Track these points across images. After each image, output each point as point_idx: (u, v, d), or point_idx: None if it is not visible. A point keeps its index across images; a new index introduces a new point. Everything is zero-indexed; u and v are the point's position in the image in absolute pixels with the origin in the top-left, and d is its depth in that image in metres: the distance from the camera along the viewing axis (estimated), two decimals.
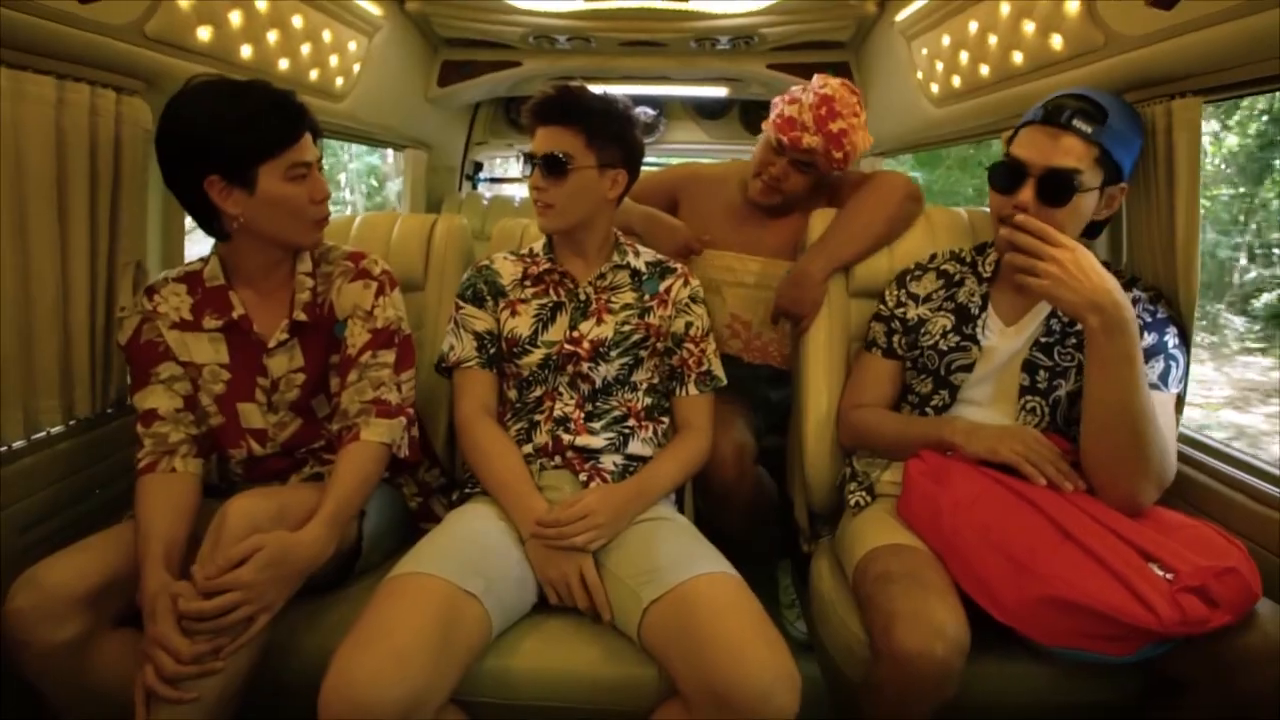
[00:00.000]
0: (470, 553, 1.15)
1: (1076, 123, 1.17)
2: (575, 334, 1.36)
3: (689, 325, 1.41)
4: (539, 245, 1.44)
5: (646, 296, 1.40)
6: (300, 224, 1.25)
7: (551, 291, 1.40)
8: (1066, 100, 1.20)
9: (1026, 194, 1.20)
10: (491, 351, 1.39)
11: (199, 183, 1.17)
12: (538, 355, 1.36)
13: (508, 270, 1.42)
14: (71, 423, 1.40)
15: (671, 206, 1.88)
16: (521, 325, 1.38)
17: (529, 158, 1.34)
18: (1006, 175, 1.23)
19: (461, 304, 1.41)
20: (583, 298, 1.38)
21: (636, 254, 1.44)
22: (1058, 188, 1.18)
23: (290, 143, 1.20)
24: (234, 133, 1.16)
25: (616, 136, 1.33)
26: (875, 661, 1.07)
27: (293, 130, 1.20)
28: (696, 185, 1.87)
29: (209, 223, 1.24)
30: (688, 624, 1.03)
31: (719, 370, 1.44)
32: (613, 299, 1.39)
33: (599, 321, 1.37)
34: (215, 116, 1.15)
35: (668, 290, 1.42)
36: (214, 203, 1.18)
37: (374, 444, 1.25)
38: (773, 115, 1.67)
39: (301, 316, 1.29)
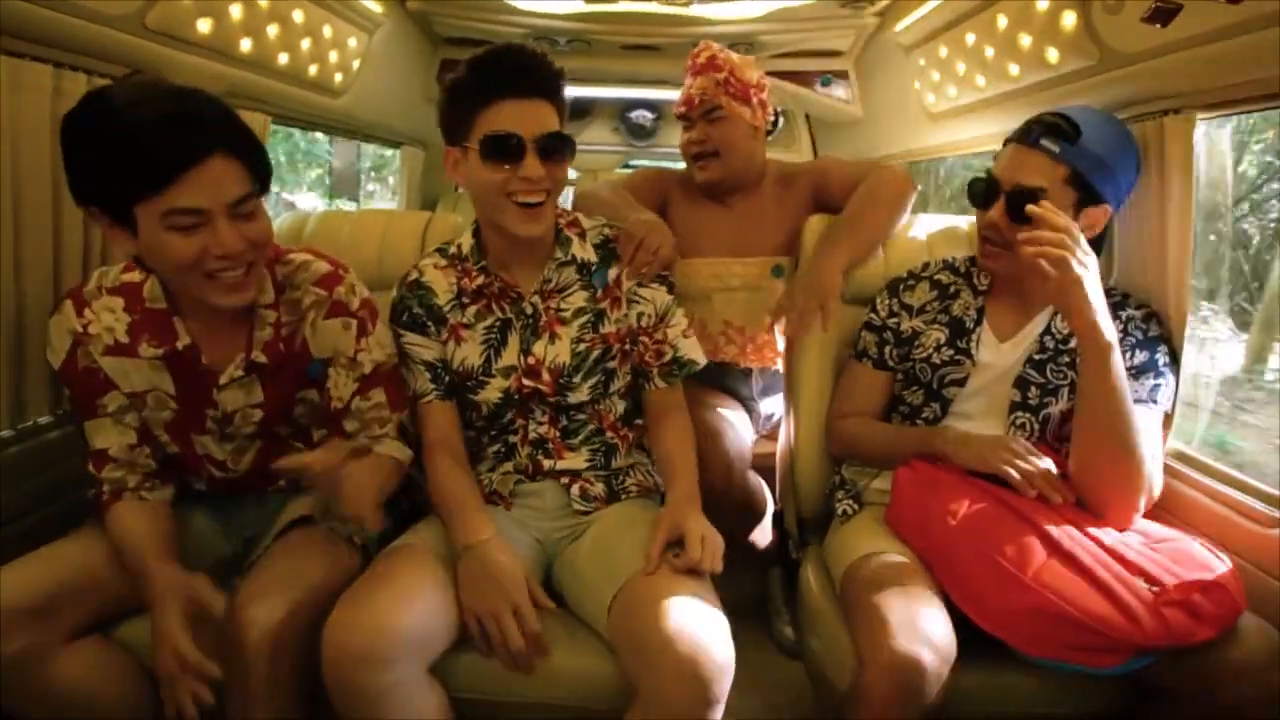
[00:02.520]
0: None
1: (1044, 141, 1.18)
2: (531, 360, 1.24)
3: (640, 316, 1.28)
4: (466, 244, 1.26)
5: (598, 294, 1.27)
6: (198, 281, 0.97)
7: (495, 307, 1.25)
8: (1044, 117, 1.22)
9: (996, 212, 1.23)
10: (447, 380, 1.27)
11: (84, 207, 0.96)
12: (495, 389, 1.25)
13: (440, 284, 1.26)
14: (25, 426, 1.38)
15: (662, 208, 1.83)
16: (471, 354, 1.25)
17: (512, 143, 1.08)
18: (982, 192, 1.26)
19: (401, 332, 1.25)
20: (529, 311, 1.25)
21: (582, 239, 1.27)
22: (1022, 205, 1.16)
23: (167, 181, 0.88)
24: (103, 160, 0.90)
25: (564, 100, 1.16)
26: (862, 669, 1.07)
27: (179, 160, 0.89)
28: (680, 190, 1.83)
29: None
30: (634, 612, 1.04)
31: (687, 353, 1.30)
32: (563, 305, 1.25)
33: (552, 339, 1.24)
34: (94, 135, 0.90)
35: (618, 282, 1.27)
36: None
37: (386, 457, 1.17)
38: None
39: (261, 358, 1.12)
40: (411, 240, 1.68)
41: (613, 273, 1.28)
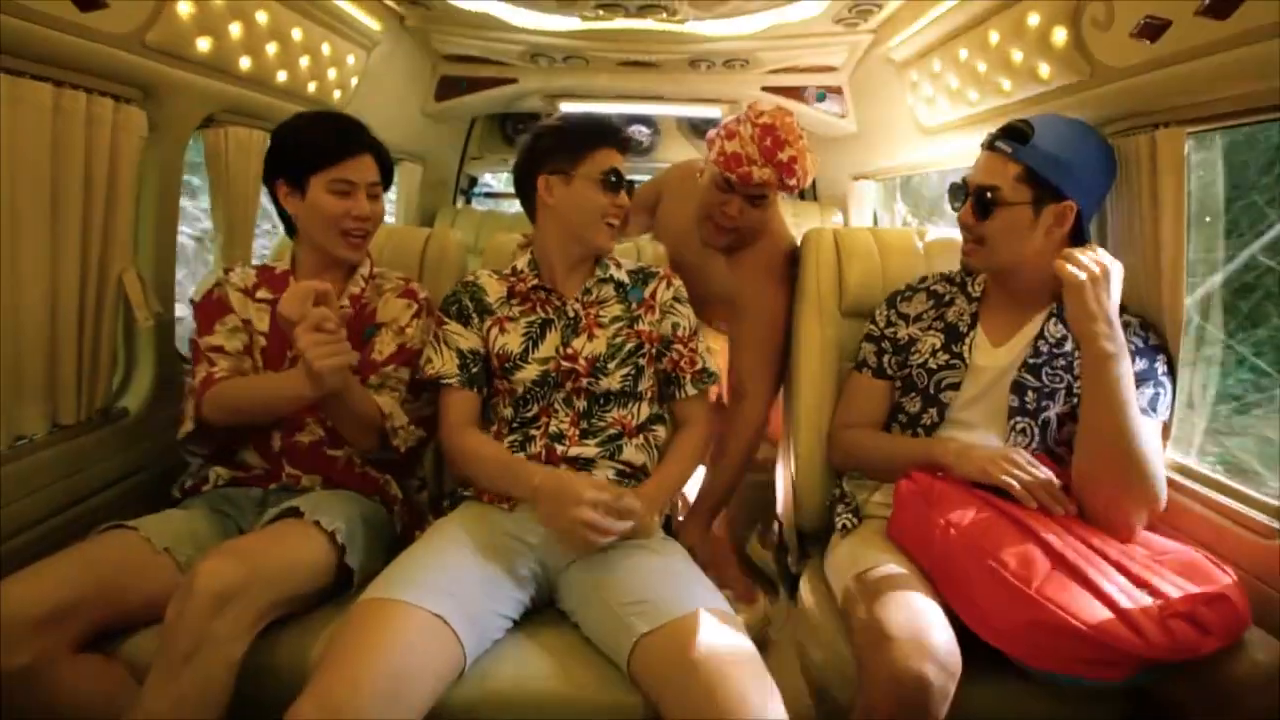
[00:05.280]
0: (438, 573, 1.14)
1: (999, 144, 1.28)
2: (569, 350, 1.36)
3: (676, 325, 1.41)
4: (523, 263, 1.43)
5: (634, 305, 1.41)
6: (333, 234, 1.38)
7: (539, 309, 1.39)
8: (1007, 124, 1.30)
9: (965, 210, 1.31)
10: (474, 370, 1.36)
11: (273, 186, 1.40)
12: (532, 371, 1.35)
13: (493, 288, 1.42)
14: (54, 429, 1.38)
15: (655, 203, 1.84)
16: (511, 342, 1.37)
17: (620, 177, 1.35)
18: (956, 194, 1.35)
19: (445, 319, 1.39)
20: (571, 314, 1.38)
21: (619, 266, 1.45)
22: (981, 203, 1.28)
23: (335, 161, 1.36)
24: (295, 147, 1.38)
25: None
26: (866, 685, 1.06)
27: (341, 151, 1.36)
28: (678, 189, 1.80)
29: (285, 219, 1.45)
30: (682, 660, 1.02)
31: (712, 365, 1.44)
32: (601, 313, 1.39)
33: (590, 337, 1.37)
34: (289, 134, 1.39)
35: (652, 295, 1.42)
36: (280, 202, 1.40)
37: (378, 410, 1.35)
38: (713, 153, 1.56)
39: (345, 303, 1.43)
40: (411, 255, 1.68)
41: (647, 290, 1.43)
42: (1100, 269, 1.12)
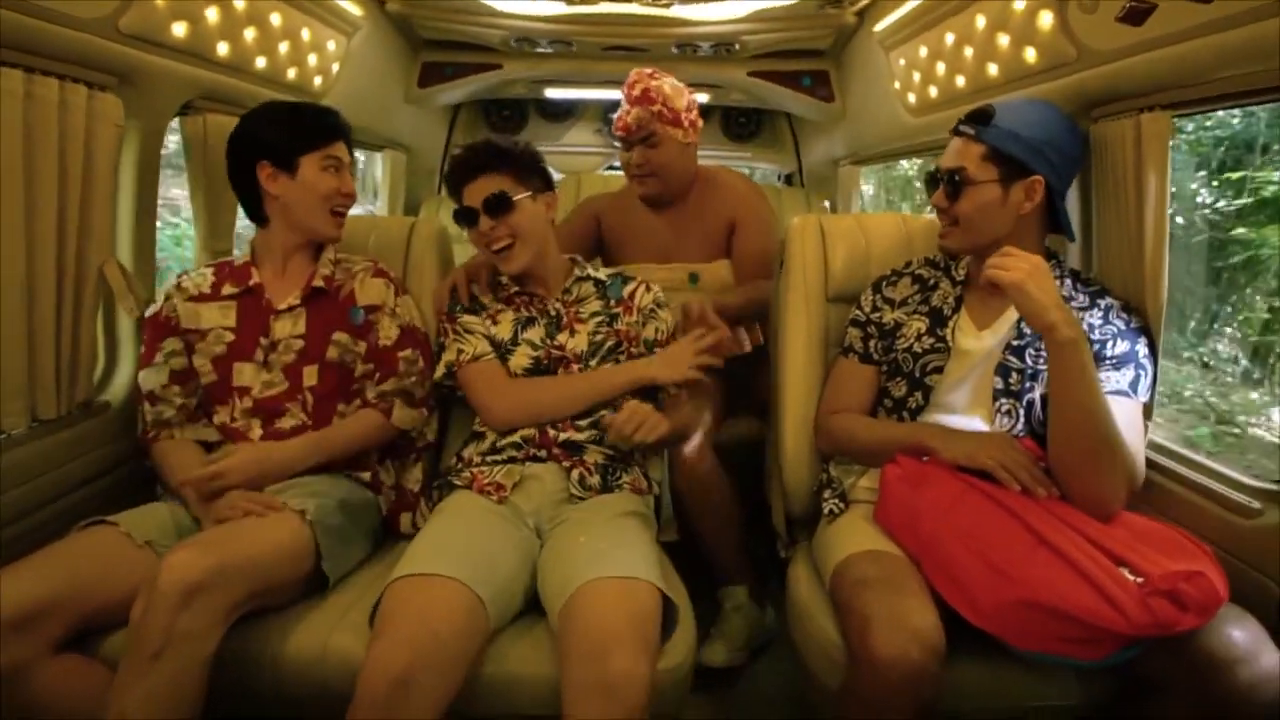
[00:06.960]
0: (478, 555, 1.16)
1: (962, 127, 1.34)
2: (555, 343, 1.46)
3: (657, 330, 1.52)
4: (505, 275, 1.50)
5: (612, 302, 1.51)
6: (323, 212, 1.44)
7: (523, 309, 1.49)
8: (971, 109, 1.35)
9: (938, 194, 1.36)
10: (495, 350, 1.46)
11: (253, 167, 1.39)
12: (524, 357, 1.44)
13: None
14: (34, 424, 1.36)
15: (596, 232, 2.04)
16: (502, 330, 1.47)
17: (467, 212, 1.42)
18: (930, 180, 1.39)
19: (458, 316, 1.49)
20: (553, 312, 1.49)
21: (596, 268, 1.56)
22: (951, 185, 1.33)
23: (327, 141, 1.42)
24: (284, 129, 1.41)
25: (534, 166, 1.46)
26: (852, 667, 1.08)
27: (331, 133, 1.44)
28: (611, 205, 2.03)
29: (253, 206, 1.45)
30: (573, 617, 1.06)
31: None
32: (581, 309, 1.50)
33: (572, 333, 1.47)
34: (273, 117, 1.42)
35: (631, 296, 1.53)
36: (261, 185, 1.40)
37: (390, 425, 1.43)
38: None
39: (319, 283, 1.45)
40: (397, 245, 1.67)
41: (625, 290, 1.53)
42: (1029, 263, 1.13)
